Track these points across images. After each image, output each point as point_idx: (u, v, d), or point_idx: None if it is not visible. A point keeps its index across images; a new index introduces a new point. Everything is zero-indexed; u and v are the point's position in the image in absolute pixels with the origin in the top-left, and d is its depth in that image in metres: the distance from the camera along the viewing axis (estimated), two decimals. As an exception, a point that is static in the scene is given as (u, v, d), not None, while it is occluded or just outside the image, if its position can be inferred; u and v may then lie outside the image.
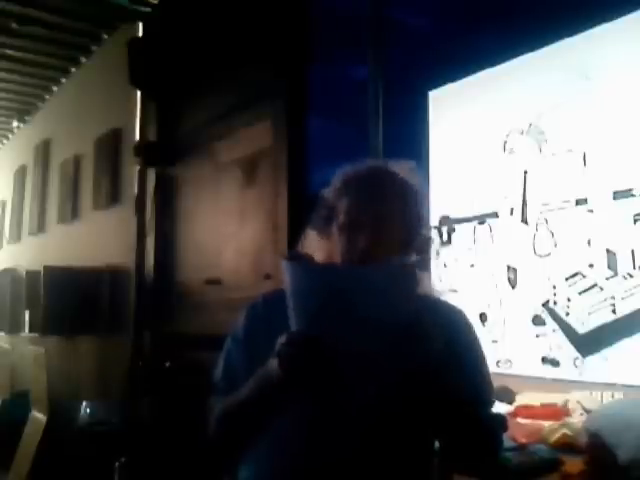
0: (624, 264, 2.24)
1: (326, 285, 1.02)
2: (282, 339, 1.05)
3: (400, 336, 1.02)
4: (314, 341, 1.01)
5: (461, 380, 1.11)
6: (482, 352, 1.25)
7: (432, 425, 1.15)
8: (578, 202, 2.41)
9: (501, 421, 1.24)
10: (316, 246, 1.21)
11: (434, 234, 2.92)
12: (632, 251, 2.22)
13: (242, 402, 1.16)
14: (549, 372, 2.43)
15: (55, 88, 5.65)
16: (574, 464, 1.72)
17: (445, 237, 2.90)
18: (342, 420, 1.12)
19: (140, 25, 3.84)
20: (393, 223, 1.16)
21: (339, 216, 1.18)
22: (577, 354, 2.36)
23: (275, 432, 1.16)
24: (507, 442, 1.84)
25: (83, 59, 5.06)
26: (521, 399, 2.29)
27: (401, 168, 1.23)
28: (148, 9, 3.80)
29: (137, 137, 3.73)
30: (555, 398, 2.20)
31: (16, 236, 6.37)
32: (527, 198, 2.59)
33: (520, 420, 2.12)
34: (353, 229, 1.15)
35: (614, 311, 2.25)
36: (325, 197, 1.23)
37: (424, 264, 1.23)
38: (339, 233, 1.17)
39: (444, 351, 1.08)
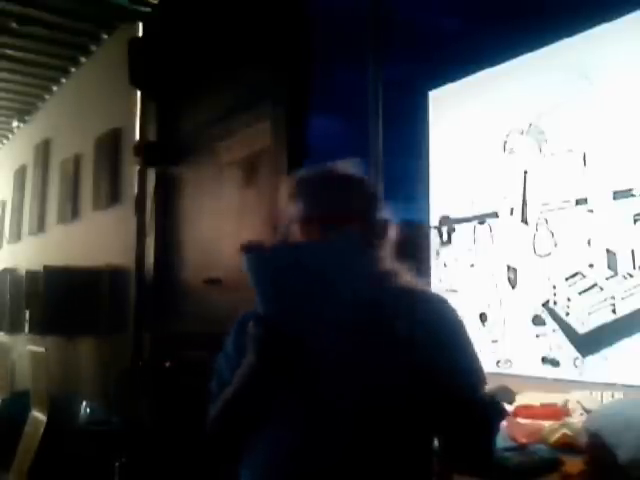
0: (624, 264, 2.24)
1: (276, 266, 1.10)
2: (250, 323, 1.12)
3: (359, 313, 1.06)
4: (274, 320, 1.09)
5: (444, 365, 1.12)
6: (467, 338, 1.24)
7: (419, 412, 1.14)
8: (578, 202, 2.41)
9: (496, 408, 1.23)
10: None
11: (434, 234, 2.93)
12: (632, 251, 2.22)
13: (230, 395, 1.21)
14: (549, 372, 2.43)
15: (55, 88, 5.65)
16: (574, 464, 1.72)
17: (445, 237, 2.91)
18: (326, 409, 1.13)
19: (140, 25, 3.84)
20: (339, 210, 1.22)
21: (292, 217, 1.25)
22: (577, 354, 2.36)
23: (265, 433, 1.18)
24: (507, 442, 1.84)
25: (83, 59, 5.06)
26: (521, 399, 2.29)
27: (344, 165, 1.30)
28: (148, 9, 3.80)
29: (137, 137, 3.73)
30: (555, 398, 2.20)
31: (16, 236, 6.37)
32: (527, 198, 2.59)
33: (520, 420, 2.12)
34: (304, 223, 1.22)
35: (614, 311, 2.25)
36: (283, 209, 1.30)
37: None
38: (294, 231, 1.25)
39: (424, 338, 1.10)
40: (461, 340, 1.23)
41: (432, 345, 1.12)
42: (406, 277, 1.27)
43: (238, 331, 1.29)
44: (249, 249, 1.14)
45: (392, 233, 1.28)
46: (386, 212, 1.29)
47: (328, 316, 1.07)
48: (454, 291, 2.79)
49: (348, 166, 1.30)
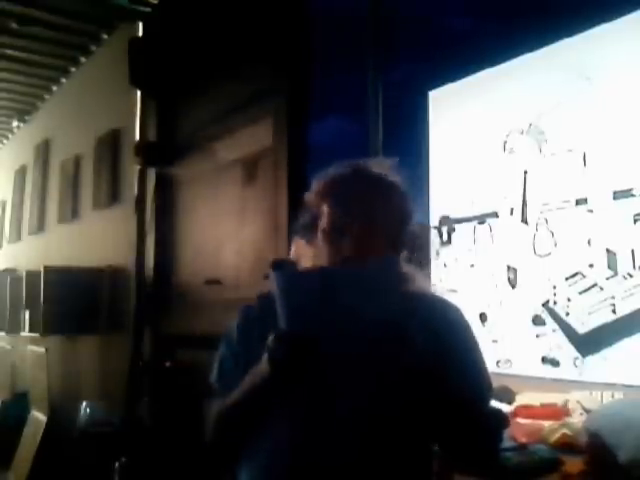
0: (624, 264, 2.24)
1: (310, 288, 1.07)
2: (271, 337, 1.07)
3: (386, 334, 1.04)
4: (300, 338, 1.04)
5: (457, 377, 1.11)
6: (479, 349, 1.24)
7: (429, 424, 1.14)
8: (578, 202, 2.40)
9: (500, 417, 1.23)
10: (303, 253, 1.22)
11: (434, 234, 2.92)
12: (632, 251, 2.22)
13: (237, 400, 1.17)
14: (549, 372, 2.43)
15: (55, 88, 5.65)
16: (574, 464, 1.72)
17: (445, 237, 2.90)
18: (336, 421, 1.12)
19: (140, 25, 3.84)
20: (375, 224, 1.16)
21: (322, 221, 1.18)
22: (577, 354, 2.36)
23: (270, 436, 1.17)
24: (507, 442, 1.84)
25: (83, 59, 5.06)
26: (521, 399, 2.29)
27: (381, 167, 1.23)
28: (148, 9, 3.80)
29: (137, 137, 3.73)
30: (555, 398, 2.20)
31: (16, 236, 6.37)
32: (527, 198, 2.59)
33: (520, 420, 2.12)
34: (336, 233, 1.16)
35: (614, 311, 2.25)
36: (307, 202, 1.24)
37: (415, 261, 1.24)
38: (323, 238, 1.18)
39: (437, 348, 1.08)
40: (471, 350, 1.23)
41: (443, 353, 1.10)
42: (420, 282, 1.25)
43: (242, 323, 1.27)
44: (280, 265, 1.11)
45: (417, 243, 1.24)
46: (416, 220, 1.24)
47: (357, 343, 1.05)
48: (454, 291, 2.79)
49: (384, 168, 1.23)
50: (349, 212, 1.16)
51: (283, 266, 1.13)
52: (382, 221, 1.17)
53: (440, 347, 1.10)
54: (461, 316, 1.25)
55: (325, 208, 1.18)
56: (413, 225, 1.23)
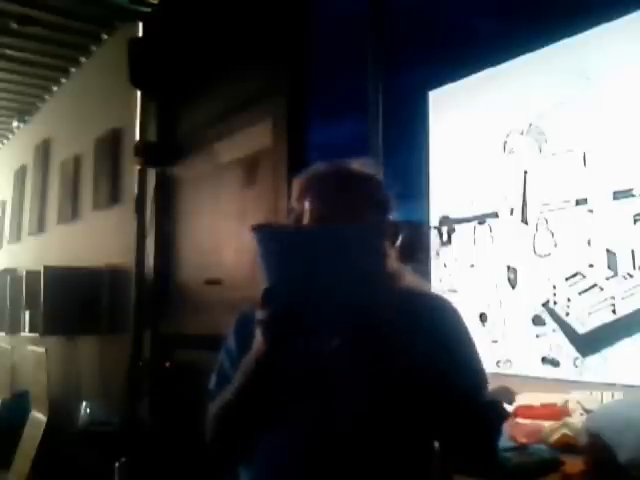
0: (624, 264, 2.24)
1: (294, 244, 1.04)
2: (257, 307, 1.05)
3: (369, 310, 1.03)
4: (286, 294, 1.02)
5: (448, 367, 1.10)
6: (471, 340, 1.24)
7: (423, 415, 1.14)
8: (578, 202, 2.40)
9: (498, 409, 1.22)
10: None
11: (434, 234, 2.93)
12: (632, 251, 2.22)
13: (233, 392, 1.16)
14: (549, 372, 2.43)
15: (55, 88, 5.65)
16: (574, 464, 1.72)
17: (445, 237, 2.90)
18: (336, 414, 1.12)
19: (140, 25, 3.84)
20: (355, 214, 1.18)
21: (304, 219, 1.21)
22: (577, 354, 2.36)
23: (269, 434, 1.17)
24: (507, 442, 1.84)
25: (83, 59, 5.06)
26: (521, 399, 2.29)
27: (357, 163, 1.27)
28: (148, 9, 3.80)
29: (137, 137, 3.73)
30: (555, 398, 2.20)
31: (16, 236, 6.37)
32: (527, 198, 2.59)
33: (520, 420, 2.12)
34: (315, 222, 1.19)
35: (614, 311, 2.25)
36: (289, 206, 1.27)
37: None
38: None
39: (426, 338, 1.08)
40: (465, 343, 1.23)
41: (436, 347, 1.10)
42: (410, 279, 1.26)
43: (239, 328, 1.27)
44: (262, 226, 1.08)
45: (400, 236, 1.25)
46: (394, 214, 1.27)
47: (341, 300, 1.02)
48: (454, 291, 2.79)
49: (361, 164, 1.27)
50: (328, 204, 1.19)
51: (265, 226, 1.10)
52: (361, 211, 1.19)
53: (432, 338, 1.10)
54: (452, 309, 1.26)
55: (305, 205, 1.21)
56: (392, 214, 1.25)
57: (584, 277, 2.36)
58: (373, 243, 1.07)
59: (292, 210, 1.26)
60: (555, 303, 2.45)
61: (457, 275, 2.83)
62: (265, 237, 1.06)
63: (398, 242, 1.25)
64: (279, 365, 1.09)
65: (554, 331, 2.44)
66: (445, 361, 1.10)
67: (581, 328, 2.36)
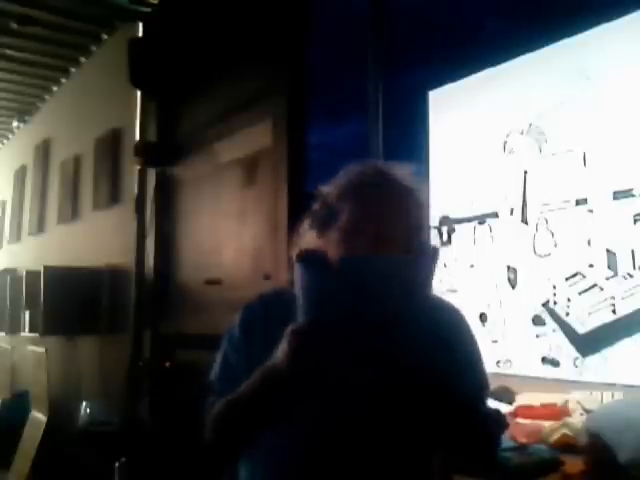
0: (624, 264, 2.24)
1: (343, 277, 1.01)
2: (291, 327, 1.04)
3: (408, 331, 1.03)
4: (321, 336, 1.01)
5: (460, 379, 1.11)
6: (479, 351, 1.25)
7: (430, 424, 1.14)
8: (578, 202, 2.40)
9: (498, 418, 1.23)
10: (313, 244, 1.19)
11: (434, 234, 2.92)
12: (632, 251, 2.22)
13: (244, 396, 1.15)
14: (549, 372, 2.43)
15: (55, 88, 5.65)
16: (574, 464, 1.72)
17: (445, 237, 2.90)
18: (341, 420, 1.12)
19: (140, 25, 3.84)
20: (393, 229, 1.15)
21: (341, 220, 1.17)
22: (577, 354, 2.36)
23: (274, 432, 1.16)
24: (507, 442, 1.84)
25: (83, 59, 5.06)
26: (521, 399, 2.29)
27: (403, 173, 1.22)
28: (148, 9, 3.80)
29: (137, 137, 3.73)
30: (555, 398, 2.20)
31: (16, 236, 6.37)
32: (527, 198, 2.59)
33: (520, 420, 2.12)
34: (356, 235, 1.14)
35: (614, 311, 2.25)
36: (325, 197, 1.22)
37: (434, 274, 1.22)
38: (341, 238, 1.16)
39: (443, 350, 1.08)
40: (473, 353, 1.24)
41: (445, 356, 1.09)
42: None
43: (247, 316, 1.26)
44: (308, 258, 1.05)
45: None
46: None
47: (382, 329, 1.01)
48: (454, 291, 2.79)
49: (406, 174, 1.21)
50: (371, 216, 1.15)
51: (310, 258, 1.05)
52: (401, 230, 1.16)
53: (444, 348, 1.10)
54: (464, 319, 1.27)
55: (346, 208, 1.17)
56: (426, 237, 1.23)
57: (584, 277, 2.36)
58: (424, 273, 1.05)
59: (325, 202, 1.20)
60: (555, 303, 2.45)
61: (457, 275, 2.83)
62: (313, 271, 1.03)
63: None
64: (297, 381, 1.08)
65: (554, 331, 2.44)
66: (452, 368, 1.10)
67: (581, 328, 2.36)
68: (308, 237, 1.22)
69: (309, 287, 1.03)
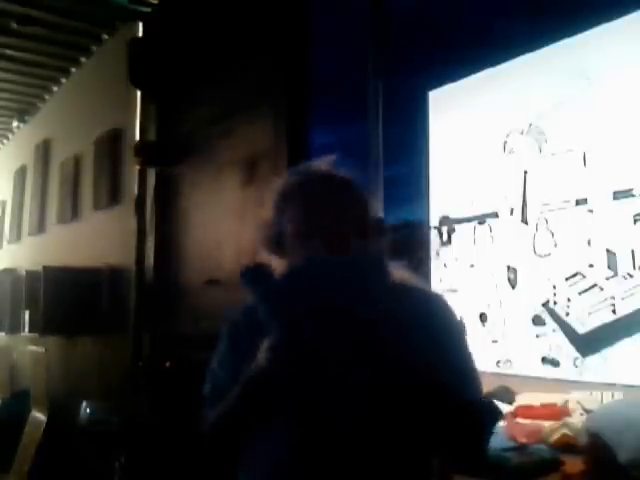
0: (624, 264, 2.24)
1: (293, 290, 1.05)
2: (267, 345, 1.08)
3: (377, 326, 1.04)
4: (294, 349, 1.05)
5: (442, 365, 1.10)
6: (463, 337, 1.24)
7: (418, 413, 1.13)
8: (578, 202, 2.41)
9: (490, 409, 1.21)
10: (276, 266, 1.21)
11: (434, 234, 2.93)
12: (632, 251, 2.22)
13: (231, 404, 1.18)
14: (549, 372, 2.43)
15: (55, 88, 5.65)
16: (574, 464, 1.72)
17: (445, 237, 2.91)
18: (333, 419, 1.12)
19: (140, 25, 3.84)
20: (339, 220, 1.17)
21: (287, 230, 1.20)
22: (577, 354, 2.36)
23: (268, 436, 1.17)
24: (507, 442, 1.84)
25: (83, 59, 5.06)
26: (521, 399, 2.29)
27: (327, 165, 1.25)
28: (148, 9, 3.80)
29: (137, 137, 3.73)
30: (555, 398, 2.20)
31: (16, 236, 6.37)
32: (527, 198, 2.59)
33: (520, 420, 2.12)
34: (303, 237, 1.17)
35: (614, 311, 2.25)
36: (268, 217, 1.26)
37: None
38: (291, 244, 1.19)
39: (421, 337, 1.09)
40: (455, 338, 1.22)
41: (426, 342, 1.10)
42: (401, 274, 1.25)
43: (230, 332, 1.28)
44: (251, 276, 1.07)
45: (386, 229, 1.25)
46: (375, 209, 1.26)
47: (346, 317, 1.04)
48: (454, 291, 2.79)
49: (332, 167, 1.25)
50: (311, 213, 1.18)
51: (254, 276, 1.08)
52: (344, 216, 1.18)
53: (426, 336, 1.10)
54: (446, 305, 1.26)
55: (287, 216, 1.20)
56: (375, 215, 1.24)
57: (584, 277, 2.36)
58: (375, 268, 1.09)
59: (271, 222, 1.24)
60: (555, 303, 2.45)
61: (457, 275, 2.83)
62: (259, 289, 1.06)
63: (386, 236, 1.24)
64: (281, 383, 1.11)
65: (554, 331, 2.44)
66: (435, 357, 1.10)
67: (581, 328, 2.36)
68: (269, 261, 1.24)
69: (260, 304, 1.06)
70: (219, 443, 1.26)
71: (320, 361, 1.06)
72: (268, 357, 1.07)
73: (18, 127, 6.59)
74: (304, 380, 1.10)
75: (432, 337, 1.12)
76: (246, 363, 1.13)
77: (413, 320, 1.12)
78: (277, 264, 1.21)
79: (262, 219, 1.27)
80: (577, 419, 1.96)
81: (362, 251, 1.10)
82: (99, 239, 4.47)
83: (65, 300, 4.27)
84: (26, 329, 5.07)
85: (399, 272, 1.23)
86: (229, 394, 1.18)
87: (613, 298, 2.26)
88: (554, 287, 2.45)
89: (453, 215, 2.88)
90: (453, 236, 2.88)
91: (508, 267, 2.64)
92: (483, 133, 2.78)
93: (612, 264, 2.27)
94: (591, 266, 2.34)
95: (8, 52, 4.83)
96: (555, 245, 2.47)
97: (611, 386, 2.18)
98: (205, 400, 1.27)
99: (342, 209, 1.19)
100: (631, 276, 2.21)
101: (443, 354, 1.14)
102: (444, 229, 2.91)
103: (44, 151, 5.79)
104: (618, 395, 2.12)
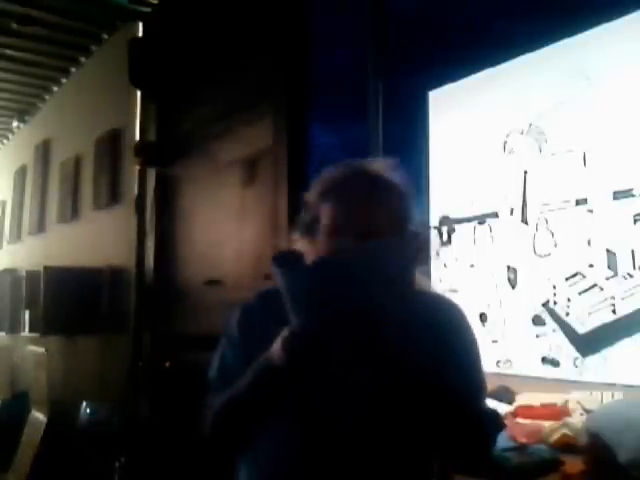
0: (624, 264, 2.24)
1: (319, 281, 1.02)
2: (287, 331, 1.06)
3: (395, 326, 1.03)
4: (315, 338, 1.02)
5: (456, 374, 1.11)
6: (475, 344, 1.24)
7: (424, 418, 1.14)
8: (578, 202, 2.41)
9: (494, 419, 1.22)
10: (304, 250, 1.20)
11: (434, 234, 2.92)
12: (632, 251, 2.22)
13: (241, 390, 1.15)
14: (549, 372, 2.43)
15: (55, 88, 5.64)
16: (574, 464, 1.72)
17: (445, 237, 2.91)
18: (339, 419, 1.12)
19: (140, 25, 3.84)
20: (376, 223, 1.15)
21: (323, 221, 1.18)
22: (577, 354, 2.36)
23: (270, 433, 1.16)
24: (507, 442, 1.84)
25: (83, 59, 5.05)
26: (521, 399, 2.29)
27: (382, 166, 1.23)
28: (148, 9, 3.80)
29: (137, 137, 3.73)
30: (555, 398, 2.20)
31: (16, 236, 6.37)
32: (527, 198, 2.59)
33: (520, 420, 2.12)
34: (339, 233, 1.15)
35: (614, 311, 2.25)
36: (307, 202, 1.23)
37: (417, 260, 1.22)
38: (325, 238, 1.17)
39: (440, 345, 1.09)
40: (470, 347, 1.23)
41: (441, 349, 1.10)
42: (422, 281, 1.24)
43: (245, 315, 1.26)
44: (283, 260, 1.05)
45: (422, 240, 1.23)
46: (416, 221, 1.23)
47: (371, 318, 1.01)
48: (454, 291, 2.79)
49: (386, 168, 1.22)
50: (350, 211, 1.16)
51: (286, 261, 1.07)
52: (384, 222, 1.16)
53: (441, 344, 1.10)
54: (464, 315, 1.26)
55: (326, 207, 1.18)
56: (415, 225, 1.22)
57: (584, 277, 2.36)
58: (401, 259, 1.06)
59: (309, 208, 1.21)
60: (555, 303, 2.45)
61: (457, 275, 2.83)
62: (287, 276, 1.04)
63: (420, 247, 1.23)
64: (294, 377, 1.09)
65: (554, 331, 2.44)
66: (449, 364, 1.10)
67: (581, 328, 2.36)
68: (298, 244, 1.23)
69: (288, 288, 1.04)
70: (223, 433, 1.24)
71: (339, 356, 1.05)
72: (288, 344, 1.05)
73: (18, 127, 6.59)
74: (322, 373, 1.08)
75: (445, 342, 1.13)
76: (259, 349, 1.11)
77: (435, 328, 1.12)
78: (307, 249, 1.20)
79: (305, 200, 1.24)
80: (577, 419, 1.96)
81: (395, 254, 1.08)
82: (99, 239, 4.47)
83: (65, 300, 4.27)
84: (26, 329, 5.07)
85: (420, 278, 1.22)
86: (239, 380, 1.15)
87: (613, 298, 2.26)
88: (554, 287, 2.46)
89: (453, 215, 2.88)
90: (453, 236, 2.88)
91: (508, 267, 2.64)
92: (483, 133, 2.78)
93: (612, 264, 2.27)
94: (591, 266, 2.34)
95: (8, 52, 4.83)
96: (555, 245, 2.47)
97: (611, 386, 2.18)
98: (210, 384, 1.26)
99: (383, 212, 1.17)
100: (631, 276, 2.21)
101: (462, 363, 1.16)
102: (444, 229, 2.91)
103: (44, 151, 5.79)
104: (618, 395, 2.13)
